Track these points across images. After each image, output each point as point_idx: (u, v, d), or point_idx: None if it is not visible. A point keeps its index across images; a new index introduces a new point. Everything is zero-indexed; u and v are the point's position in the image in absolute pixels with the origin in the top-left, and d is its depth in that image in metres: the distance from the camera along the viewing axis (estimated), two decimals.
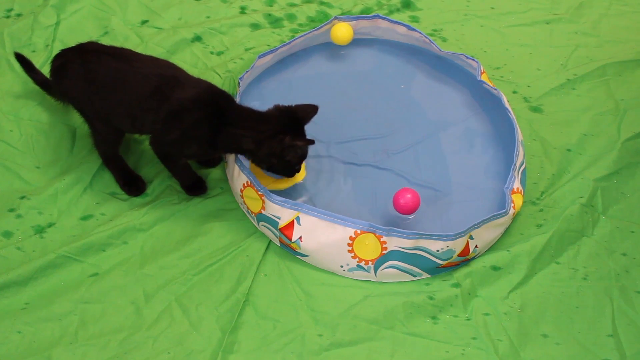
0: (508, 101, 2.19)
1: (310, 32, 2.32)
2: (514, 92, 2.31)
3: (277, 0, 2.53)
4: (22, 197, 2.00)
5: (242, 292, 1.86)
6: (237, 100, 2.11)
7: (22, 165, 2.07)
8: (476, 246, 1.91)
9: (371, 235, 1.85)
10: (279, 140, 1.86)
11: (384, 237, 1.84)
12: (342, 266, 1.89)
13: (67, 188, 2.02)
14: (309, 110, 1.91)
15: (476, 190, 2.04)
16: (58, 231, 1.95)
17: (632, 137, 2.18)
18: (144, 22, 2.43)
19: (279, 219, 1.89)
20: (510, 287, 1.89)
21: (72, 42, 2.10)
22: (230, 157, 2.02)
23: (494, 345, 1.79)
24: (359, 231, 1.85)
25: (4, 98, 2.20)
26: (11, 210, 1.98)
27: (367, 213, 1.97)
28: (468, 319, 1.84)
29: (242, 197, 1.98)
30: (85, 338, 1.78)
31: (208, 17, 2.47)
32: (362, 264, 1.87)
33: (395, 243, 1.85)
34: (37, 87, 2.17)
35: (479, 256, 1.94)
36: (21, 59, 2.15)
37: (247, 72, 2.18)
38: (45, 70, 2.12)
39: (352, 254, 1.87)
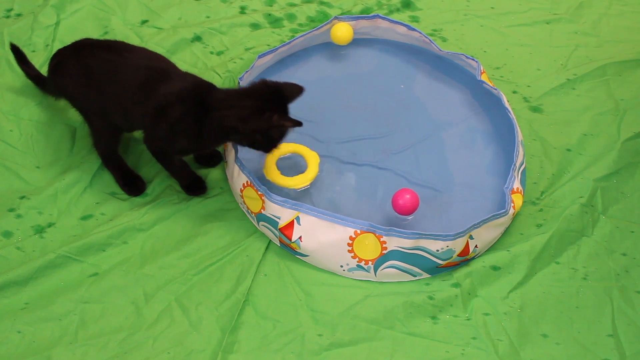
0: (508, 101, 2.19)
1: (310, 32, 2.32)
2: (514, 92, 2.31)
3: (277, 0, 2.53)
4: (22, 197, 2.00)
5: (242, 292, 1.86)
6: None
7: (22, 165, 2.07)
8: (476, 246, 1.91)
9: (371, 235, 1.85)
10: (267, 118, 1.83)
11: (383, 237, 1.84)
12: (342, 266, 1.89)
13: (67, 188, 2.02)
14: (295, 90, 1.89)
15: (476, 190, 2.04)
16: (58, 231, 1.95)
17: (632, 137, 2.18)
18: (144, 22, 2.43)
19: (279, 218, 1.89)
20: (510, 287, 1.89)
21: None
22: (230, 157, 2.02)
23: (493, 345, 1.79)
24: (358, 231, 1.85)
25: (3, 97, 2.20)
26: (11, 210, 1.98)
27: (367, 213, 1.97)
28: (468, 319, 1.84)
29: (242, 197, 1.98)
30: (85, 338, 1.78)
31: (208, 17, 2.47)
32: (362, 263, 1.87)
33: (395, 243, 1.85)
34: (37, 87, 2.17)
35: (479, 256, 1.94)
36: (16, 50, 2.16)
37: (247, 72, 2.18)
38: (45, 71, 2.12)
39: (352, 254, 1.87)
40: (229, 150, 2.04)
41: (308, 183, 2.01)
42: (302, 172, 2.01)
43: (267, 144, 1.90)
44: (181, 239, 1.95)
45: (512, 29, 2.49)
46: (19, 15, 2.41)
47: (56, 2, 2.42)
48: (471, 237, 1.89)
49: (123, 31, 2.38)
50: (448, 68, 2.30)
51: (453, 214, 1.99)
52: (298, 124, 1.85)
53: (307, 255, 1.91)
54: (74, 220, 1.98)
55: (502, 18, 2.52)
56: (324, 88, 2.25)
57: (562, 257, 1.94)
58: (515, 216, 2.01)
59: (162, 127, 1.90)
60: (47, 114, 2.17)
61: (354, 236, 1.85)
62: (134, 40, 2.35)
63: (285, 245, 1.93)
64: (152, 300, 1.84)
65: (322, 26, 2.32)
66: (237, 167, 1.97)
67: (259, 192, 1.92)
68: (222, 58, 2.35)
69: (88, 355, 1.75)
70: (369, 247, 1.85)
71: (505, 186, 1.96)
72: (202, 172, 2.07)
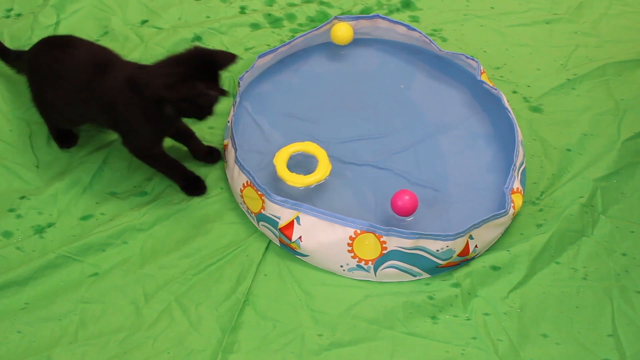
0: (508, 101, 2.19)
1: (310, 32, 2.32)
2: (514, 92, 2.31)
3: (277, 0, 2.53)
4: (22, 197, 2.00)
5: (242, 292, 1.86)
6: (237, 100, 2.11)
7: (21, 165, 2.07)
8: (476, 246, 1.91)
9: (371, 235, 1.85)
10: (191, 86, 1.81)
11: (383, 237, 1.84)
12: (342, 266, 1.89)
13: (67, 188, 2.02)
14: (227, 57, 1.86)
15: (476, 190, 2.04)
16: (58, 231, 1.95)
17: (632, 137, 2.18)
18: (144, 22, 2.43)
19: (279, 218, 1.89)
20: (510, 287, 1.88)
21: None
22: (230, 157, 2.02)
23: (493, 345, 1.79)
24: (358, 231, 1.85)
25: (3, 97, 2.20)
26: (11, 210, 1.98)
27: (367, 213, 1.97)
28: (468, 319, 1.84)
29: (242, 197, 1.98)
30: (85, 338, 1.78)
31: (208, 17, 2.47)
32: (362, 263, 1.87)
33: (395, 243, 1.85)
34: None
35: (479, 256, 1.94)
36: None
37: (247, 72, 2.18)
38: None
39: (352, 254, 1.87)
40: (229, 150, 2.04)
41: (323, 178, 2.00)
42: (310, 170, 2.00)
43: (198, 112, 1.88)
44: (181, 239, 1.95)
45: (512, 29, 2.49)
46: (19, 15, 2.41)
47: (56, 2, 2.42)
48: (471, 237, 1.89)
49: (123, 31, 2.38)
50: (448, 68, 2.30)
51: (453, 214, 1.99)
52: (223, 92, 1.82)
53: (307, 255, 1.90)
54: (74, 220, 1.98)
55: (502, 18, 2.52)
56: (323, 88, 2.25)
57: (562, 257, 1.94)
58: (515, 216, 2.01)
59: (120, 123, 1.91)
60: None
61: (353, 236, 1.85)
62: (134, 40, 2.36)
63: (285, 245, 1.93)
64: (152, 300, 1.84)
65: (322, 26, 2.32)
66: (237, 167, 1.97)
67: (259, 192, 1.92)
68: None
69: (88, 355, 1.75)
70: (369, 247, 1.85)
71: (505, 186, 1.96)
72: (202, 172, 2.07)
